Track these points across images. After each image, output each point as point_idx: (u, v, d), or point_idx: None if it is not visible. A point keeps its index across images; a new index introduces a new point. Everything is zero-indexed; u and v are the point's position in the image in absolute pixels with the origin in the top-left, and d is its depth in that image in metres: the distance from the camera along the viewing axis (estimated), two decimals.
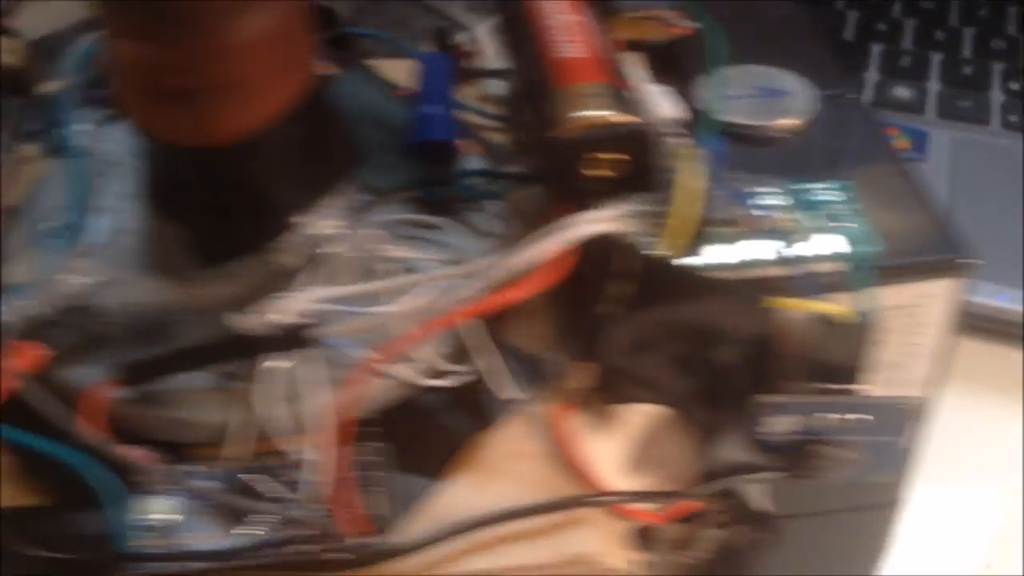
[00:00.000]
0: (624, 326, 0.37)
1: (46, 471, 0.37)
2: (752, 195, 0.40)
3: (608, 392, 0.40)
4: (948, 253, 0.39)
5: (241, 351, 0.38)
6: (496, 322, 0.39)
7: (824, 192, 0.40)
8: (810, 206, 0.40)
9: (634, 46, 0.45)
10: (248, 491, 0.37)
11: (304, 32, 0.39)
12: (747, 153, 0.42)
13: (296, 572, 0.35)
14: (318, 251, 0.41)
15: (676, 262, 0.36)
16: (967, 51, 0.81)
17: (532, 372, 0.40)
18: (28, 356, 0.38)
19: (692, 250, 0.37)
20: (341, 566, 0.35)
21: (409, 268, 0.41)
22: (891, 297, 0.39)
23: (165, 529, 0.35)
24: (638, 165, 0.37)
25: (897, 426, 0.37)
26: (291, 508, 0.36)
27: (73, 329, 0.40)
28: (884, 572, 0.51)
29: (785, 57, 0.45)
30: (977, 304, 0.63)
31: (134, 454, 0.36)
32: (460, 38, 0.50)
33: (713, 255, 0.38)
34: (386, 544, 0.35)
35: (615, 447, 0.40)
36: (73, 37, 0.50)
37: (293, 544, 0.35)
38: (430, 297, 0.38)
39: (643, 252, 0.36)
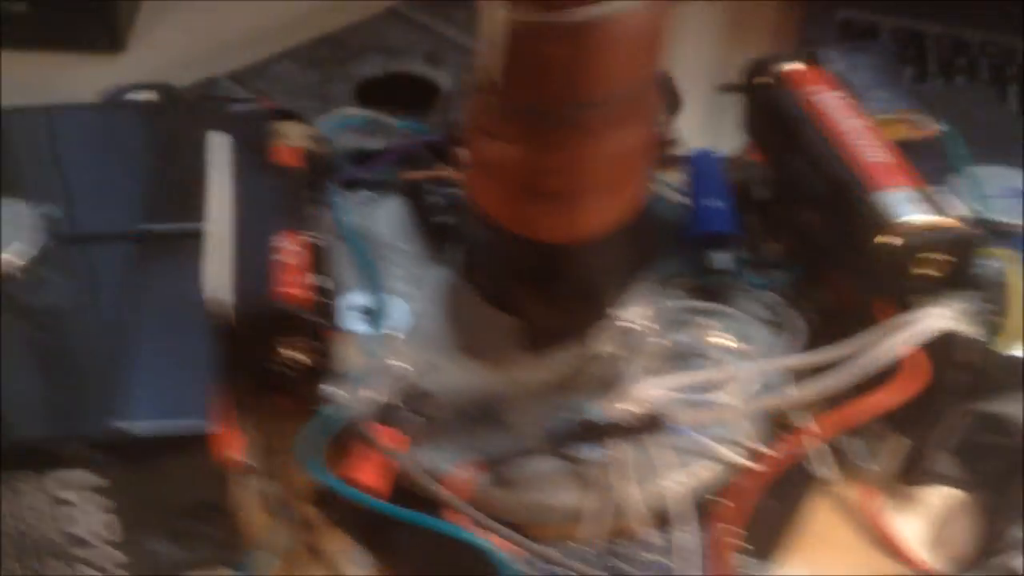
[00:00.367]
0: (950, 414, 0.41)
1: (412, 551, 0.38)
2: None
3: (910, 475, 0.43)
4: None
5: (596, 436, 0.40)
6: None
7: None
8: None
9: None
10: (609, 571, 0.39)
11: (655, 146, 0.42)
12: None
13: None
14: (631, 339, 0.43)
15: (1016, 355, 0.39)
16: None
17: (842, 455, 0.43)
18: (392, 442, 0.39)
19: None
20: None
21: (704, 353, 0.44)
22: None
23: None
24: (961, 264, 0.40)
25: None
26: None
27: (414, 414, 0.41)
28: None
29: (1015, 156, 0.49)
30: None
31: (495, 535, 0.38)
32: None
33: None
34: None
35: (917, 526, 0.43)
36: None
37: None
38: (758, 387, 0.41)
39: (986, 346, 0.39)
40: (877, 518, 0.42)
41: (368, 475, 0.38)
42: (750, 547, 0.40)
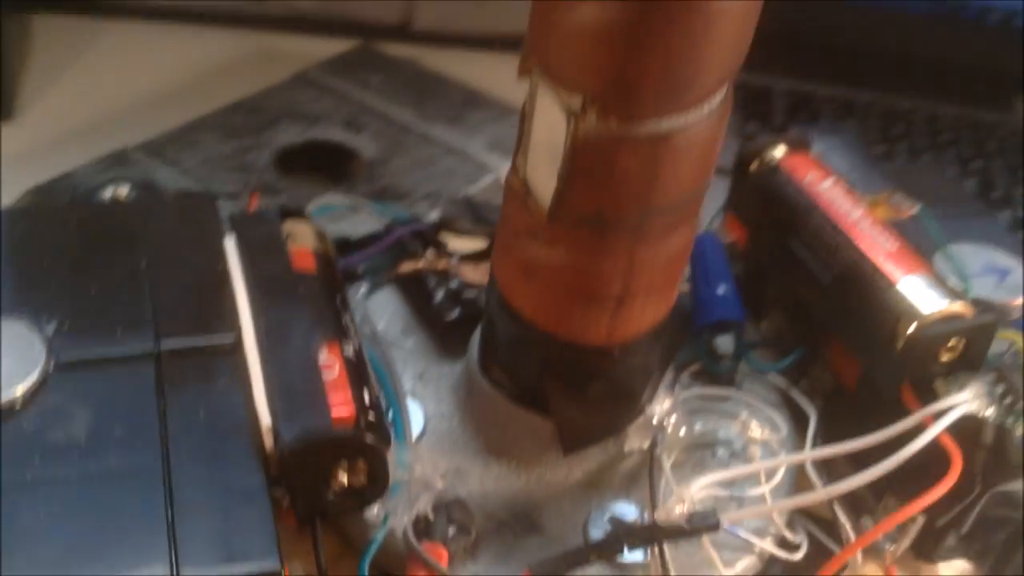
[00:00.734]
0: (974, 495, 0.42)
1: None
2: None
3: (927, 552, 0.44)
4: None
5: (646, 540, 0.39)
6: None
7: None
8: None
9: None
10: None
11: None
12: None
13: None
14: (661, 434, 0.43)
15: None
16: None
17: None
18: (437, 557, 0.37)
19: None
20: None
21: (728, 442, 0.44)
22: None
23: None
24: (977, 349, 0.42)
25: None
26: None
27: (447, 523, 0.39)
28: None
29: (987, 236, 0.51)
30: None
31: None
32: None
33: None
34: None
35: None
36: None
37: None
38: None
39: (1007, 428, 0.40)
40: None
41: None
42: None
